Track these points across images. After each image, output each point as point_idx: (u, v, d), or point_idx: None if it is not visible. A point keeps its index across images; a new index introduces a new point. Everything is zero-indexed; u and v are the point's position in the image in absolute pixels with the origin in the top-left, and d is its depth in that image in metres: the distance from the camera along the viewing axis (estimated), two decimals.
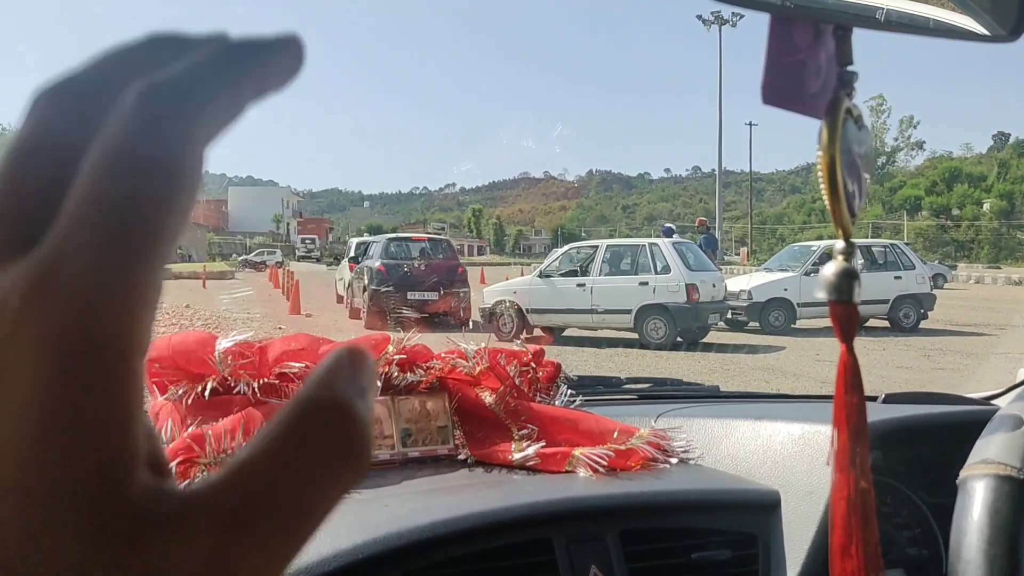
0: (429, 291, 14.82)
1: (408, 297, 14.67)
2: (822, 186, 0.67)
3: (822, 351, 12.12)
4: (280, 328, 14.15)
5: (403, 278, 14.93)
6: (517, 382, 1.33)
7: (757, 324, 14.85)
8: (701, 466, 1.28)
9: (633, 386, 1.73)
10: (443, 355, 1.35)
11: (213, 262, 48.07)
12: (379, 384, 1.27)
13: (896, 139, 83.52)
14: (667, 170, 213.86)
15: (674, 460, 1.25)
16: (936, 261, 39.18)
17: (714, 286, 13.15)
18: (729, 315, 14.41)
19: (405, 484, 1.17)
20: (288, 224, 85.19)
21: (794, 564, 1.09)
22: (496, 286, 14.45)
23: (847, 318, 0.67)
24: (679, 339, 12.53)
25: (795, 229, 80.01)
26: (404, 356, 1.30)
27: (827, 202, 0.67)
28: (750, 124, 63.58)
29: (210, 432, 1.09)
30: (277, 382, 1.21)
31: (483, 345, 1.35)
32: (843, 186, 0.67)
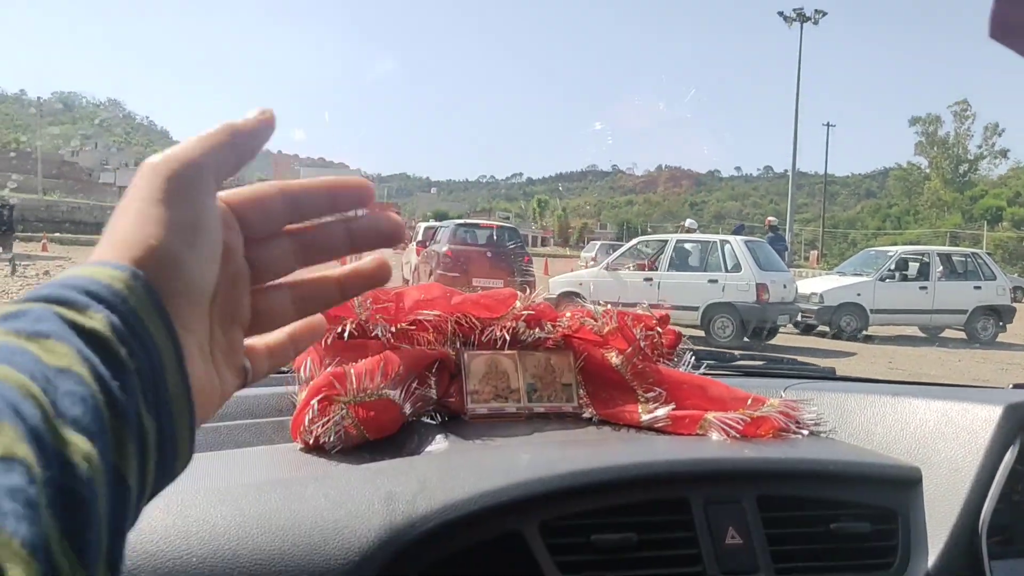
0: (495, 279, 14.87)
1: (473, 284, 14.75)
2: None
3: (895, 359, 11.81)
4: None
5: (470, 264, 15.01)
6: (642, 345, 1.32)
7: (827, 328, 14.54)
8: (834, 439, 1.25)
9: (747, 363, 1.70)
10: (571, 313, 1.34)
11: None
12: (507, 338, 1.28)
13: (980, 147, 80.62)
14: (738, 168, 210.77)
15: (805, 432, 1.23)
16: (1016, 274, 37.82)
17: (785, 287, 12.89)
18: (799, 318, 14.13)
19: (536, 436, 1.17)
20: None
21: (936, 542, 1.06)
22: (562, 277, 14.43)
23: None
24: (746, 339, 12.34)
25: (868, 235, 78.00)
26: (532, 312, 1.30)
27: None
28: (827, 125, 61.96)
29: (352, 371, 1.11)
30: (412, 328, 1.22)
31: (610, 306, 1.35)
32: None
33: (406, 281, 19.58)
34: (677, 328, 1.44)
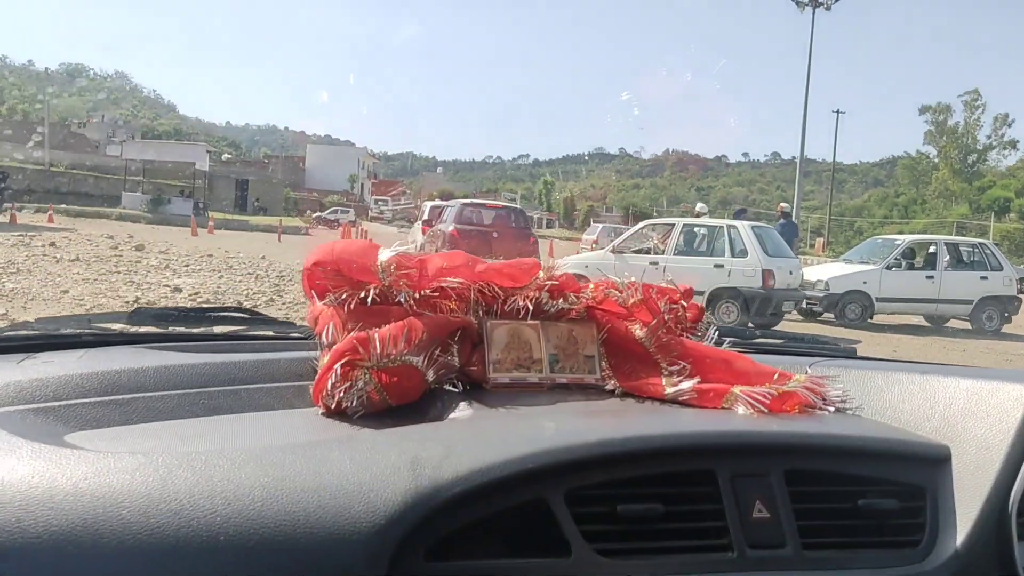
0: (500, 259, 14.83)
1: None
2: None
3: (899, 348, 11.81)
4: None
5: (475, 244, 15.01)
6: (666, 318, 1.30)
7: (832, 316, 14.53)
8: (860, 416, 1.24)
9: (767, 340, 1.68)
10: (595, 285, 1.33)
11: (288, 217, 49.06)
12: (530, 308, 1.26)
13: (989, 137, 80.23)
14: (745, 154, 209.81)
15: (831, 408, 1.22)
16: (1022, 265, 37.69)
17: (791, 273, 12.88)
18: (803, 304, 14.12)
19: (560, 406, 1.16)
20: (362, 185, 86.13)
21: (964, 520, 1.05)
22: (568, 259, 14.43)
23: None
24: (751, 324, 12.35)
25: (875, 223, 77.69)
26: (555, 283, 1.28)
27: None
28: (837, 112, 61.55)
29: (376, 335, 1.09)
30: (436, 296, 1.20)
31: (633, 278, 1.33)
32: None
33: None
34: (699, 304, 1.42)
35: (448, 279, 1.21)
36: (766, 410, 1.15)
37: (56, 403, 1.05)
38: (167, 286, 11.42)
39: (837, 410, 1.22)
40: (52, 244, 16.66)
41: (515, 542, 0.92)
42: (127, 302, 9.57)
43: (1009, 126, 79.85)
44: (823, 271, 15.57)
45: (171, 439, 0.99)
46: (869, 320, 14.49)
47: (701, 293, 12.37)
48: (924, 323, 15.35)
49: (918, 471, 1.09)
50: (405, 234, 27.03)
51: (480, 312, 1.26)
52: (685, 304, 1.36)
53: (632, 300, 1.30)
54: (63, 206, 33.45)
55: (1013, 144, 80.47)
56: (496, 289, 1.26)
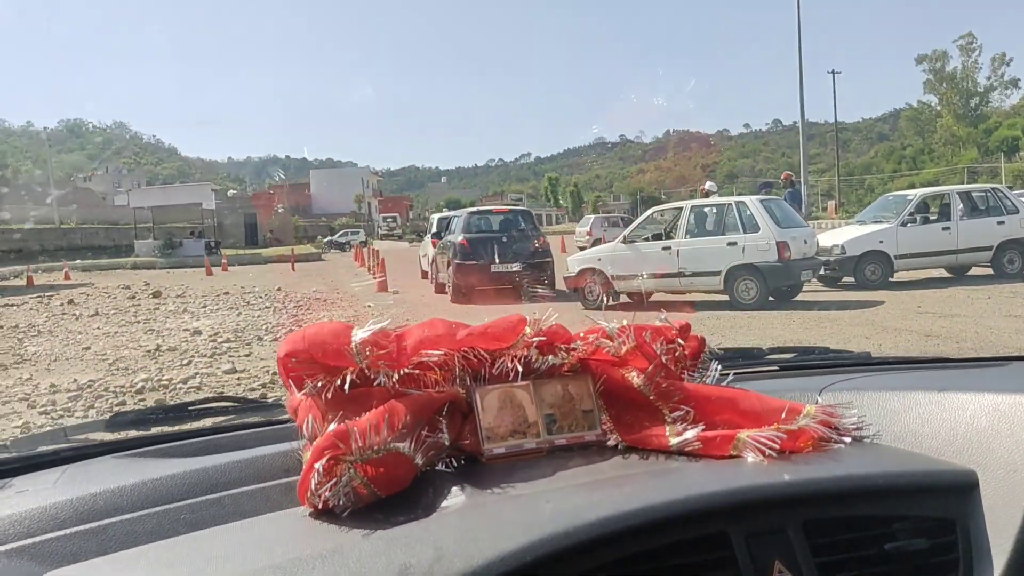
0: (512, 263, 14.85)
1: (492, 270, 14.77)
2: None
3: (923, 303, 11.67)
4: (368, 306, 14.41)
5: (486, 251, 14.98)
6: (664, 360, 1.24)
7: (852, 279, 14.37)
8: (879, 445, 1.17)
9: (777, 356, 1.61)
10: (584, 335, 1.26)
11: (300, 245, 49.27)
12: (519, 369, 1.20)
13: (989, 78, 79.38)
14: (746, 125, 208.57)
15: (847, 439, 1.14)
16: None
17: (805, 242, 12.75)
18: (822, 271, 13.98)
19: (559, 476, 1.09)
20: (369, 203, 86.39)
21: (1000, 552, 0.98)
22: (580, 254, 14.37)
23: None
24: (771, 298, 12.22)
25: (884, 179, 76.94)
26: (543, 338, 1.22)
27: None
28: (833, 72, 61.04)
29: (355, 428, 1.04)
30: (417, 372, 1.14)
31: (625, 322, 1.26)
32: None
33: (424, 273, 19.56)
34: (699, 334, 1.35)
35: (429, 352, 1.15)
36: (777, 454, 1.08)
37: (31, 540, 1.00)
38: (187, 330, 11.48)
39: (854, 439, 1.15)
40: (71, 302, 16.79)
41: None
42: (148, 351, 9.61)
43: (1008, 64, 79.07)
44: (838, 235, 15.41)
45: (148, 569, 0.94)
46: (890, 279, 14.32)
47: (718, 273, 12.26)
48: (947, 274, 15.18)
49: (945, 503, 1.02)
50: (416, 248, 27.06)
51: (467, 380, 1.20)
52: (682, 342, 1.29)
53: (625, 348, 1.23)
54: (78, 261, 33.74)
55: (1014, 83, 79.62)
56: (482, 353, 1.19)
